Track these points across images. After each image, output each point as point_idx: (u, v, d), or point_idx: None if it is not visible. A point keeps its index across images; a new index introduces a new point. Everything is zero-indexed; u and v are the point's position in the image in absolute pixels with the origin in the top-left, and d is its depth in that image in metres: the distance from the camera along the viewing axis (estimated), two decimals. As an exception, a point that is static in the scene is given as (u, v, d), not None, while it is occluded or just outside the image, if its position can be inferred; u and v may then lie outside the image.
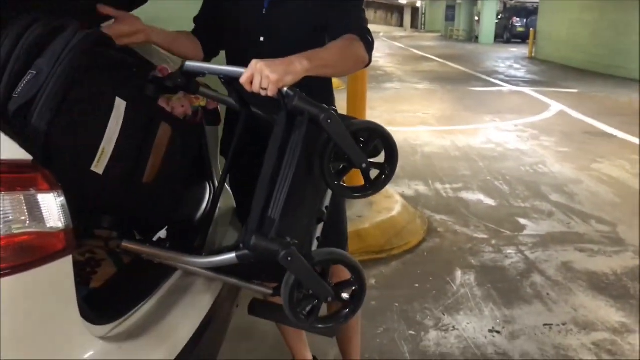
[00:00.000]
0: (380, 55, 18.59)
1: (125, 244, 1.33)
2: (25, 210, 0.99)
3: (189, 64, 1.42)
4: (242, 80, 1.30)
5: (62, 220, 1.04)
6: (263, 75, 1.28)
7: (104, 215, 1.39)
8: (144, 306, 1.37)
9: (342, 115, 1.45)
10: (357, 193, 1.45)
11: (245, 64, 1.32)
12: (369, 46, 1.61)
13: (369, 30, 1.65)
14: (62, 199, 1.04)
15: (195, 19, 1.85)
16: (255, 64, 1.29)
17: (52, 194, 1.03)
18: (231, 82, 1.48)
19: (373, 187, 1.43)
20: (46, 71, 1.13)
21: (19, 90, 1.13)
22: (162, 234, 1.71)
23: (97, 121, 1.25)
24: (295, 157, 1.28)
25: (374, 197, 4.05)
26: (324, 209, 1.56)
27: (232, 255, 1.27)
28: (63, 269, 1.05)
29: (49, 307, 1.04)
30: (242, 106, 1.62)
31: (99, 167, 1.26)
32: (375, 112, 8.07)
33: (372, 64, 1.70)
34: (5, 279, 0.96)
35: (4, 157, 0.97)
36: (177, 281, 1.51)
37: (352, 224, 3.57)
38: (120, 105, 1.29)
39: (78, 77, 1.19)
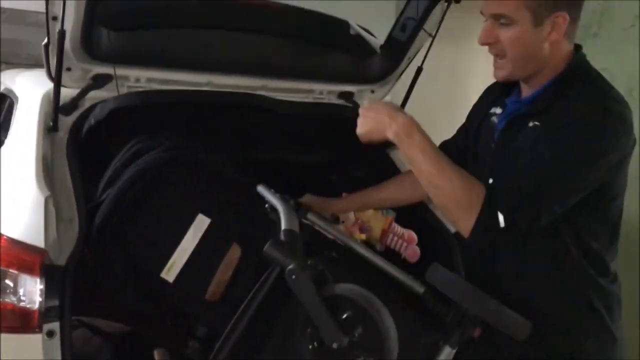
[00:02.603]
0: None
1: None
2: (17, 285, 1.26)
3: (259, 188, 1.47)
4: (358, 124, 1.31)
5: (38, 302, 1.26)
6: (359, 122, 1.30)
7: (200, 327, 1.52)
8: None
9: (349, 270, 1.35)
10: None
11: None
12: (489, 213, 1.17)
13: (527, 203, 1.16)
14: (42, 286, 1.26)
15: (442, 145, 1.54)
16: (365, 108, 1.31)
17: (38, 279, 1.27)
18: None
19: None
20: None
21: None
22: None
23: (169, 233, 1.34)
24: (246, 313, 1.23)
25: None
26: None
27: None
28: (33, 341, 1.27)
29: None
30: None
31: (169, 275, 1.33)
32: None
33: None
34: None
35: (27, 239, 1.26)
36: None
37: None
38: (202, 221, 1.34)
39: (151, 190, 1.36)
